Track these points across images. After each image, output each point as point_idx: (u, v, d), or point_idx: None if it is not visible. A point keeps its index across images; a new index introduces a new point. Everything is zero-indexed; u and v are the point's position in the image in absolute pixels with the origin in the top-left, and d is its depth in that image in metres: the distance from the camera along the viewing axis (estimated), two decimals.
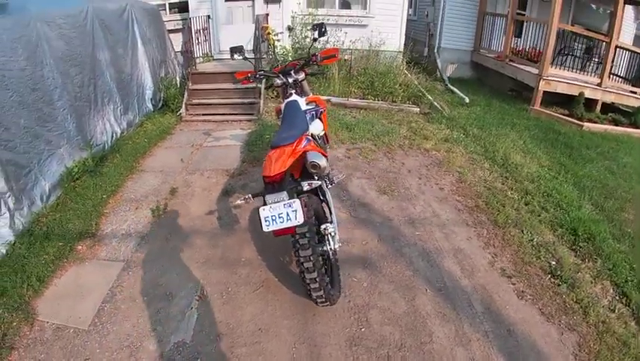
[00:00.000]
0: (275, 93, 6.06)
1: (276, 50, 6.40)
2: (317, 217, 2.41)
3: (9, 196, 3.07)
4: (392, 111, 6.09)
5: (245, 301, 2.55)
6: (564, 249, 3.17)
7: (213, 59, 7.12)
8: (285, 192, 1.97)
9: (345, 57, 6.79)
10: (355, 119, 5.64)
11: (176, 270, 2.81)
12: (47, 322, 2.42)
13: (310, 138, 2.52)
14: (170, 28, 6.44)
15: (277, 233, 1.98)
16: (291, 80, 2.99)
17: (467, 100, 7.26)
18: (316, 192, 2.64)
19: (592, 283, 2.82)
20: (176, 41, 6.72)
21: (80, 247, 3.04)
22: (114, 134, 4.79)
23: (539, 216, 3.56)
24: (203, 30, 6.66)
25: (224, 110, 5.69)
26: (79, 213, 3.38)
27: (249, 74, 3.08)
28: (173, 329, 2.35)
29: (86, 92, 4.31)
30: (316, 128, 2.88)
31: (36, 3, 3.95)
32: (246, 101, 5.73)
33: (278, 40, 6.52)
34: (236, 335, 2.30)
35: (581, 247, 3.18)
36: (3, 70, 3.18)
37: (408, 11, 11.39)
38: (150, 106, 5.82)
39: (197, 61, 6.33)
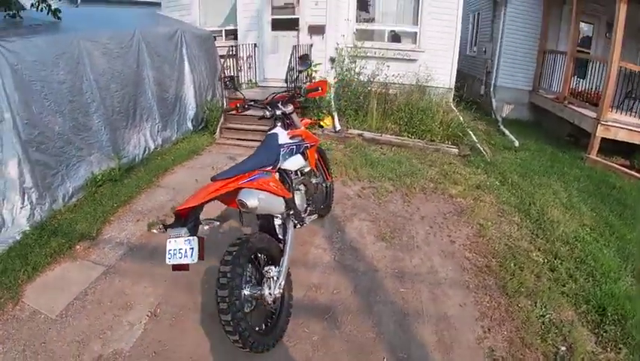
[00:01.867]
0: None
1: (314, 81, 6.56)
2: (268, 257, 2.38)
3: (33, 191, 3.51)
4: (427, 151, 5.83)
5: (190, 328, 2.55)
6: (584, 331, 2.65)
7: (257, 86, 7.48)
8: (186, 229, 1.98)
9: (390, 91, 6.74)
10: (384, 156, 5.50)
11: (145, 284, 2.93)
12: (28, 304, 2.79)
13: (271, 173, 2.48)
14: (222, 54, 6.97)
15: (175, 268, 1.98)
16: (278, 112, 3.00)
17: (517, 143, 6.73)
18: (273, 230, 2.61)
19: None
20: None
21: (77, 247, 3.35)
22: (147, 149, 5.20)
23: (563, 286, 3.06)
24: (249, 57, 7.07)
25: (254, 137, 5.87)
26: (89, 216, 3.71)
27: (238, 104, 3.10)
28: (118, 337, 2.53)
29: (124, 107, 4.77)
30: (293, 163, 2.85)
31: (87, 24, 4.56)
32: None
33: (316, 71, 6.67)
34: (168, 358, 2.34)
35: (606, 331, 2.63)
36: (44, 82, 3.66)
37: (469, 47, 11.12)
38: (190, 126, 6.24)
39: (242, 87, 6.73)
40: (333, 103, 6.45)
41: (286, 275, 2.44)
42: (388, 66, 6.94)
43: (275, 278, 2.30)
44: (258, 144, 5.55)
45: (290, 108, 3.05)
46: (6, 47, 3.38)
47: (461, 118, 6.87)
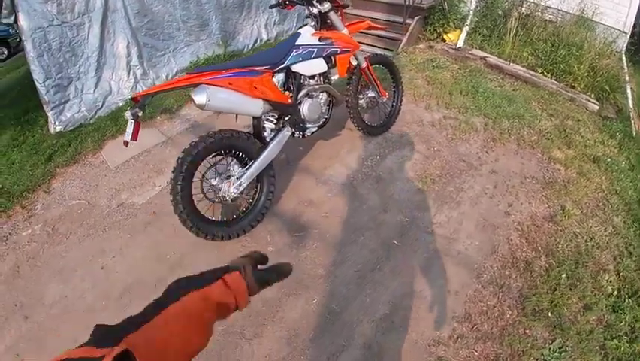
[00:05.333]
0: (435, 34, 5.19)
1: None
2: (246, 156, 2.44)
3: (138, 68, 4.14)
4: (558, 97, 4.26)
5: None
6: None
7: None
8: (129, 112, 2.09)
9: (546, 16, 4.95)
10: (498, 89, 4.26)
11: None
12: (102, 156, 3.57)
13: (265, 73, 2.33)
14: None
15: (124, 143, 2.20)
16: (314, 11, 2.66)
17: None
18: (260, 132, 2.56)
19: None
20: None
21: (158, 118, 3.90)
22: (259, 40, 5.32)
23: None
24: None
25: (365, 40, 5.28)
26: (177, 94, 4.12)
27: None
28: (140, 193, 3.04)
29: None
30: (309, 67, 2.56)
31: None
32: (390, 35, 5.13)
33: None
34: (164, 216, 2.73)
35: None
36: None
37: None
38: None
39: None
40: (471, 15, 5.15)
41: (265, 178, 2.51)
42: None
43: (236, 177, 2.37)
44: (363, 48, 5.20)
45: (326, 6, 2.63)
46: None
47: (625, 70, 4.66)
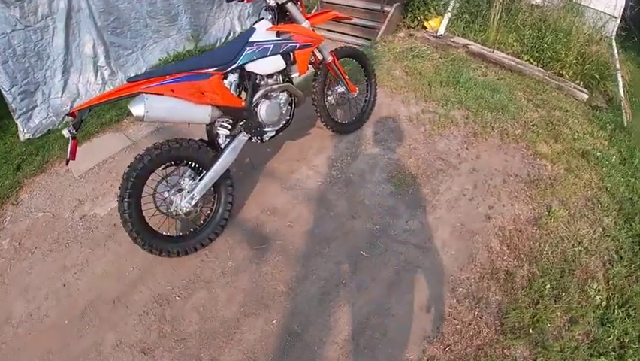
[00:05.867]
0: (415, 22, 4.91)
1: None
2: (200, 166, 2.26)
3: (105, 69, 3.89)
4: (544, 85, 4.00)
5: None
6: None
7: None
8: (67, 130, 1.92)
9: (533, 2, 4.66)
10: (481, 78, 4.00)
11: None
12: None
13: (214, 75, 2.13)
14: None
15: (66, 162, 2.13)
16: (271, 3, 2.40)
17: None
18: (214, 140, 2.36)
19: None
20: None
21: (125, 121, 3.69)
22: (232, 33, 5.05)
23: None
24: None
25: (342, 29, 5.03)
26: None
27: None
28: (103, 203, 2.90)
29: None
30: (265, 66, 2.33)
31: None
32: (367, 24, 4.86)
33: None
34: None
35: None
36: None
37: None
38: None
39: None
40: (453, 0, 4.85)
41: (222, 188, 2.34)
42: None
43: (187, 190, 2.20)
44: (340, 37, 5.00)
45: None
46: None
47: (615, 56, 4.41)
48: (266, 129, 2.48)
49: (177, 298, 2.20)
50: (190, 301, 2.17)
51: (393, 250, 2.33)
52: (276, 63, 2.36)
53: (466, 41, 4.42)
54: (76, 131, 1.93)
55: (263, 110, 2.40)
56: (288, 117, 2.61)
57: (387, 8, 4.71)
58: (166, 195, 2.24)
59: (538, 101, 3.71)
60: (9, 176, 3.38)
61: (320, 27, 5.14)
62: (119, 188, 2.07)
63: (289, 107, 2.59)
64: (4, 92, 3.44)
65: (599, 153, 3.13)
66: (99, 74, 3.96)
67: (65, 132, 1.93)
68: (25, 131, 3.63)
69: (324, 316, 2.05)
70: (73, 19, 3.67)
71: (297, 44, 2.40)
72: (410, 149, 3.08)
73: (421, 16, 4.75)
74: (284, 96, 2.52)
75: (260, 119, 2.42)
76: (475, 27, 4.71)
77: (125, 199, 2.03)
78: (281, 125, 2.57)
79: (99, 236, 2.67)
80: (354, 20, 4.98)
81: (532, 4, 4.70)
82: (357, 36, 4.97)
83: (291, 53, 2.43)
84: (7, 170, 3.45)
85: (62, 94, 3.80)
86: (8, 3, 3.27)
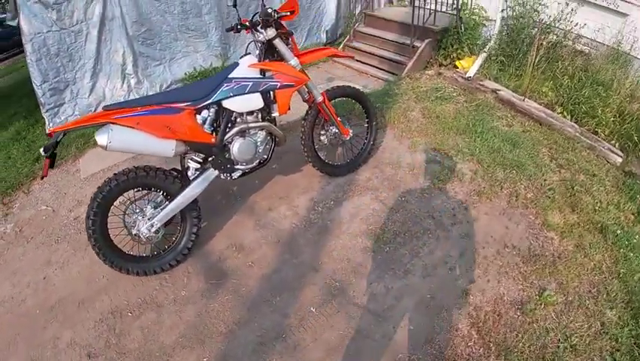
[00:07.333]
0: (448, 60, 4.65)
1: (466, 9, 4.58)
2: (167, 194, 2.30)
3: (132, 77, 4.12)
4: (575, 143, 3.54)
5: None
6: None
7: (402, 5, 5.87)
8: (44, 148, 2.01)
9: (579, 47, 4.20)
10: (505, 129, 3.65)
11: None
12: (78, 165, 3.62)
13: (184, 110, 2.15)
14: None
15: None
16: (259, 37, 2.38)
17: None
18: (184, 171, 2.38)
19: None
20: None
21: None
22: None
23: None
24: None
25: (370, 61, 4.90)
26: None
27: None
28: None
29: (243, 11, 4.82)
30: (241, 103, 2.29)
31: None
32: (395, 58, 4.68)
33: None
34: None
35: None
36: None
37: None
38: (323, 37, 5.72)
39: (383, 3, 5.60)
40: (492, 41, 4.53)
41: (188, 218, 2.37)
42: (575, 11, 4.20)
43: (147, 218, 2.23)
44: (368, 70, 4.88)
45: (270, 33, 2.33)
46: None
47: None
48: (237, 167, 2.42)
49: (129, 314, 2.24)
50: (139, 320, 2.20)
51: (346, 312, 2.15)
52: (253, 102, 2.31)
53: (497, 86, 4.09)
54: (50, 151, 2.02)
55: (236, 148, 2.35)
56: (265, 156, 2.54)
57: (417, 43, 4.51)
58: (129, 219, 2.29)
59: (563, 160, 3.30)
60: (27, 165, 3.67)
61: (350, 57, 5.12)
62: (88, 206, 2.16)
63: (267, 146, 2.53)
64: (35, 87, 3.73)
65: (620, 230, 2.69)
66: (126, 81, 4.18)
67: (42, 150, 2.03)
68: (51, 125, 3.91)
69: None
70: (106, 26, 3.91)
71: (278, 84, 2.34)
72: (401, 201, 2.86)
73: (454, 55, 4.49)
74: (261, 135, 2.46)
75: (232, 157, 2.38)
76: (510, 71, 4.34)
77: (91, 217, 2.13)
78: (255, 164, 2.51)
79: (83, 240, 2.76)
80: (382, 53, 4.88)
81: (577, 51, 4.26)
82: (384, 70, 4.81)
83: (272, 92, 2.37)
84: (28, 159, 3.75)
85: (89, 95, 4.05)
86: (46, 5, 3.55)
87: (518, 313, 2.21)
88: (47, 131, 2.33)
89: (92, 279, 2.45)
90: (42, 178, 2.32)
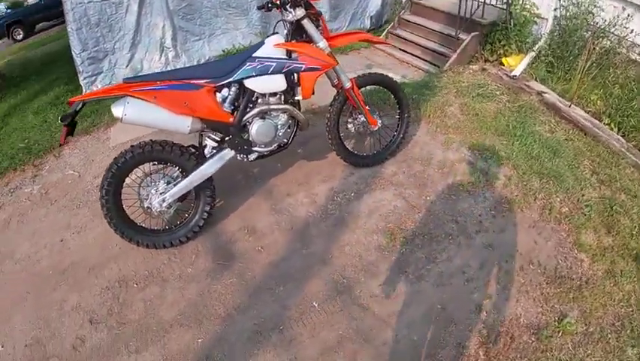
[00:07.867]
0: (495, 55, 4.33)
1: (517, 4, 4.20)
2: (182, 170, 2.30)
3: (170, 51, 4.18)
4: (619, 158, 3.20)
5: None
6: None
7: None
8: (61, 117, 2.06)
9: (633, 57, 3.78)
10: (547, 135, 3.36)
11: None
12: (109, 133, 3.70)
13: (204, 87, 2.11)
14: None
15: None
16: (288, 17, 2.27)
17: None
18: (201, 148, 2.35)
19: None
20: None
21: None
22: None
23: None
24: None
25: (413, 51, 4.66)
26: None
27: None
28: None
29: None
30: (263, 84, 2.22)
31: None
32: (439, 49, 4.41)
33: None
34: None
35: None
36: None
37: None
38: (367, 23, 5.52)
39: None
40: (542, 40, 4.15)
41: (202, 196, 2.36)
42: (632, 17, 3.74)
43: (160, 192, 2.24)
44: (410, 59, 4.66)
45: (299, 13, 2.23)
46: None
47: None
48: (255, 148, 2.37)
49: (135, 285, 2.28)
50: (143, 292, 2.23)
51: (348, 312, 2.07)
52: (276, 83, 2.23)
53: (543, 88, 3.77)
54: (69, 119, 2.04)
55: (254, 129, 2.29)
56: (285, 140, 2.47)
57: (462, 36, 4.23)
58: (143, 191, 2.30)
59: (604, 176, 3.01)
60: (60, 130, 3.80)
61: (393, 45, 4.89)
62: (102, 176, 2.20)
63: (287, 130, 2.44)
64: (74, 55, 3.84)
65: None
66: (164, 54, 4.23)
67: (59, 119, 2.09)
68: (87, 92, 4.04)
69: (246, 354, 1.92)
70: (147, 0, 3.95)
71: (303, 66, 2.24)
72: (425, 201, 2.72)
73: (501, 51, 4.18)
74: (283, 118, 2.38)
75: (250, 138, 2.32)
76: (558, 74, 3.99)
77: (105, 187, 2.16)
78: (273, 147, 2.44)
79: None
80: (425, 43, 4.63)
81: (631, 60, 3.83)
82: (426, 60, 4.56)
83: (296, 75, 2.28)
84: (62, 124, 3.89)
85: (127, 66, 4.13)
86: None
87: (533, 339, 2.04)
88: (68, 100, 2.40)
89: (106, 246, 2.50)
90: (60, 145, 2.38)
